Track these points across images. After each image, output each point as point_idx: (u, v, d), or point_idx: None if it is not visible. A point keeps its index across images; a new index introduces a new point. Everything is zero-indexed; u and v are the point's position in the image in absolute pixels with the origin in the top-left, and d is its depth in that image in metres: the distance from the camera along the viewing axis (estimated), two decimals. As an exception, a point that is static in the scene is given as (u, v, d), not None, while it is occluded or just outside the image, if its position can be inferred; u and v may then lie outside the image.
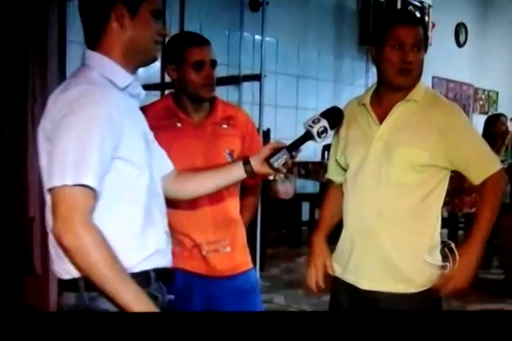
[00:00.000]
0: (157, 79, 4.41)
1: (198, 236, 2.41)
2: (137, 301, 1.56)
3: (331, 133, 2.01)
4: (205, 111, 2.48)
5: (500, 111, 10.36)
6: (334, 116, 2.02)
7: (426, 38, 2.17)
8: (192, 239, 2.41)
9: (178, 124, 2.43)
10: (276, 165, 1.93)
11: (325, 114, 2.00)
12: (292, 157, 1.96)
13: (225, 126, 2.48)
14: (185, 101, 2.45)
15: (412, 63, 2.12)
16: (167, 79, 4.47)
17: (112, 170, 1.61)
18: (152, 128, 2.07)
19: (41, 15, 4.06)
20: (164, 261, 1.77)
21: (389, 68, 2.13)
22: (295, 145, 1.96)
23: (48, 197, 1.61)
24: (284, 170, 1.99)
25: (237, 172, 1.97)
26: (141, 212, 1.70)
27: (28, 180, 4.18)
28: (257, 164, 1.94)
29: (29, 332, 1.33)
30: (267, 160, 1.93)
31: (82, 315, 1.61)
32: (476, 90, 10.94)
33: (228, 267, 2.46)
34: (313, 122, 1.96)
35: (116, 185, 1.63)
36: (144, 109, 2.31)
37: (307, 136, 1.97)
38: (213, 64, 2.45)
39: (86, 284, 1.59)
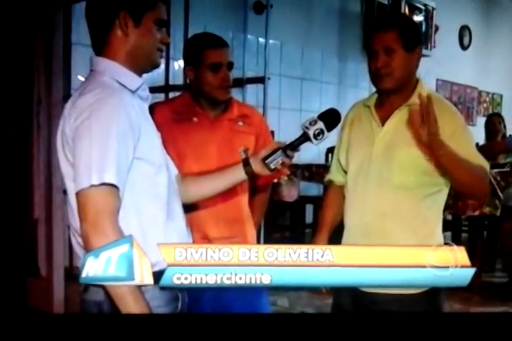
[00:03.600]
0: (161, 82, 4.42)
1: (209, 231, 2.41)
2: (131, 293, 1.57)
3: (329, 134, 1.99)
4: (221, 108, 2.52)
5: (504, 114, 10.35)
6: (331, 119, 2.01)
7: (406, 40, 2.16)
8: (204, 234, 2.40)
9: (195, 119, 2.46)
10: (272, 165, 1.93)
11: (322, 116, 1.99)
12: (289, 157, 1.95)
13: (240, 123, 2.52)
14: (201, 99, 2.49)
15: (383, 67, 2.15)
16: (171, 81, 4.49)
17: (132, 170, 1.65)
18: (169, 121, 2.07)
19: (46, 18, 4.07)
20: None
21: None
22: (291, 146, 1.96)
23: (72, 200, 1.66)
24: (286, 171, 1.99)
25: (238, 174, 1.98)
26: (162, 209, 1.75)
27: (33, 182, 4.20)
28: (256, 165, 1.95)
29: (33, 334, 1.33)
30: (263, 161, 1.94)
31: (86, 317, 1.62)
32: (480, 93, 10.93)
33: None
34: (310, 124, 1.96)
35: (136, 184, 1.67)
36: (159, 105, 2.33)
37: (303, 138, 1.97)
38: (230, 66, 2.49)
39: None
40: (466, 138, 2.17)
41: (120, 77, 1.73)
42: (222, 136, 2.47)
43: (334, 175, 2.43)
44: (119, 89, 1.70)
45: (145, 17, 1.75)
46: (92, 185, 1.55)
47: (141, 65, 1.80)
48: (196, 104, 2.49)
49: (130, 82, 1.75)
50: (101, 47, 1.77)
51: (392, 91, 2.22)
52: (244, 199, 2.54)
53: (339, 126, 2.15)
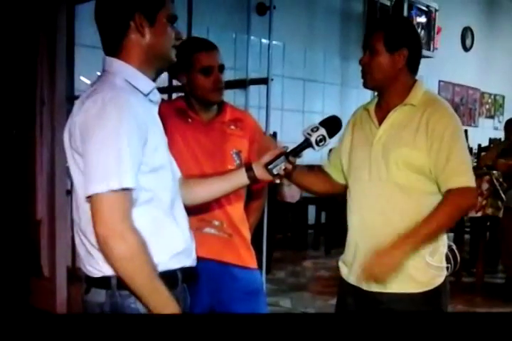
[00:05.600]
0: (165, 83, 4.43)
1: (200, 218, 2.41)
2: (165, 307, 1.62)
3: (330, 140, 2.03)
4: (214, 112, 2.54)
5: (506, 115, 10.36)
6: (333, 125, 2.05)
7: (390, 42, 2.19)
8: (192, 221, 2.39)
9: (189, 120, 2.48)
10: (275, 171, 1.96)
11: (324, 123, 2.03)
12: (291, 163, 1.99)
13: (233, 127, 2.54)
14: (194, 103, 2.51)
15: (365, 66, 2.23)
16: (175, 82, 4.49)
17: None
18: (164, 124, 2.09)
19: (50, 19, 4.08)
20: (189, 259, 1.81)
21: None
22: (294, 152, 2.00)
23: (80, 198, 1.65)
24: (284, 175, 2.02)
25: (241, 179, 2.00)
26: (166, 211, 1.75)
27: (36, 183, 4.21)
28: (258, 170, 1.97)
29: (36, 334, 1.34)
30: (266, 166, 1.96)
31: (86, 317, 1.63)
32: (482, 94, 10.95)
33: (232, 255, 2.48)
34: (312, 130, 2.01)
35: (139, 186, 1.64)
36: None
37: (306, 144, 2.00)
38: (221, 68, 2.50)
39: (118, 282, 1.64)
40: (455, 144, 2.16)
41: (133, 80, 1.72)
42: (214, 138, 2.49)
43: (329, 168, 2.46)
44: (129, 92, 1.69)
45: (158, 15, 1.74)
46: (110, 190, 1.54)
47: (157, 64, 1.79)
48: (189, 108, 2.51)
49: (142, 85, 1.74)
50: (114, 49, 1.75)
51: (376, 90, 2.30)
52: (238, 204, 2.55)
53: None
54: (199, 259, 2.19)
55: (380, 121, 2.24)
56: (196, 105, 2.51)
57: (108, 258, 1.59)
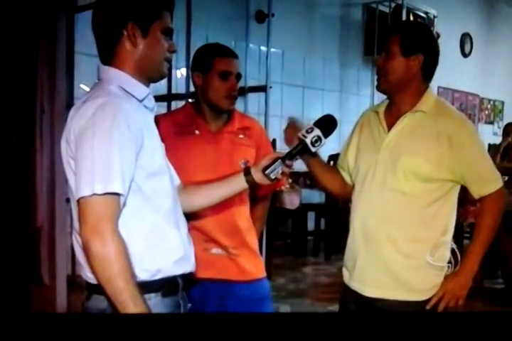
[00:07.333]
0: (164, 91, 4.45)
1: (208, 243, 2.42)
2: (131, 298, 1.58)
3: (326, 141, 2.01)
4: (223, 120, 2.53)
5: (505, 120, 10.37)
6: (327, 125, 2.03)
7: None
8: (203, 247, 2.41)
9: (197, 131, 2.47)
10: (272, 176, 1.94)
11: (318, 123, 2.01)
12: (288, 166, 1.96)
13: (241, 136, 2.53)
14: (204, 109, 2.50)
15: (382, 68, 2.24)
16: (173, 90, 4.51)
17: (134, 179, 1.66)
18: (172, 134, 2.07)
19: (50, 28, 4.10)
20: (189, 265, 1.82)
21: None
22: (290, 155, 1.97)
23: (74, 207, 1.66)
24: (284, 179, 2.01)
25: (239, 183, 1.99)
26: (166, 217, 1.76)
27: (36, 191, 4.21)
28: (257, 175, 1.96)
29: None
30: (263, 171, 1.95)
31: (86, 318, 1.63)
32: (481, 100, 10.95)
33: (238, 272, 2.48)
34: (307, 132, 1.98)
35: (138, 192, 1.67)
36: (162, 118, 2.34)
37: (301, 146, 1.98)
38: (238, 76, 2.50)
39: None
40: (478, 151, 2.21)
41: (128, 86, 1.74)
42: (223, 148, 2.48)
43: (341, 168, 2.46)
44: (125, 97, 1.71)
45: (152, 27, 1.75)
46: (95, 194, 1.56)
47: (148, 75, 1.80)
48: (199, 115, 2.50)
49: (137, 91, 1.76)
50: (108, 57, 1.77)
51: (387, 93, 2.28)
52: (244, 210, 2.54)
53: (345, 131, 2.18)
54: (206, 280, 2.20)
55: (389, 126, 2.24)
56: (206, 111, 2.49)
57: (88, 261, 1.60)
